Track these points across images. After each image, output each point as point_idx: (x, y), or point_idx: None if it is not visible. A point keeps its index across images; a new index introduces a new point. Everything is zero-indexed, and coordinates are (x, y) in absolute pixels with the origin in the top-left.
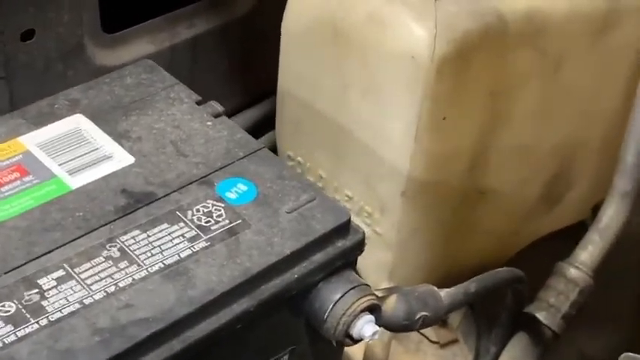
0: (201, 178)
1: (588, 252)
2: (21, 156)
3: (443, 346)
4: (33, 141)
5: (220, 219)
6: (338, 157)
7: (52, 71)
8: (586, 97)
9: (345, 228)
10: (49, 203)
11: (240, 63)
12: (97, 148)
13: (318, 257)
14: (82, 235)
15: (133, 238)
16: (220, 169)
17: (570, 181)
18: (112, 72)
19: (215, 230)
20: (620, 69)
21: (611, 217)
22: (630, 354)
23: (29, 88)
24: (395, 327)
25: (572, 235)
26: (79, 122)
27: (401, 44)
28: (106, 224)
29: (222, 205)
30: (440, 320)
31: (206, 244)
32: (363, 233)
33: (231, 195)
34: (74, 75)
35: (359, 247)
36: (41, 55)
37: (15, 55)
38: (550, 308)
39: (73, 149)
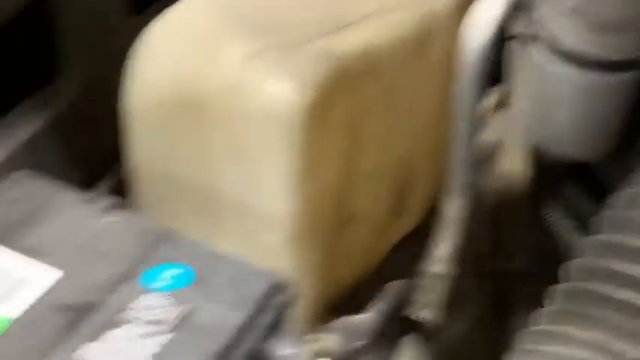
0: (127, 273)
1: (440, 248)
2: None
3: None
4: None
5: (164, 309)
6: (210, 221)
7: None
8: (413, 112)
9: (277, 286)
10: None
11: (74, 151)
12: (15, 270)
13: (263, 319)
14: None
15: (88, 351)
16: (141, 260)
17: (411, 190)
18: None
19: (164, 321)
20: (436, 83)
21: (453, 211)
22: None
23: None
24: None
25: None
26: None
27: (262, 106)
28: (57, 345)
29: (157, 295)
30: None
31: (164, 337)
32: (293, 286)
33: (161, 283)
34: None
35: (293, 299)
36: None
37: None
38: (426, 305)
39: None
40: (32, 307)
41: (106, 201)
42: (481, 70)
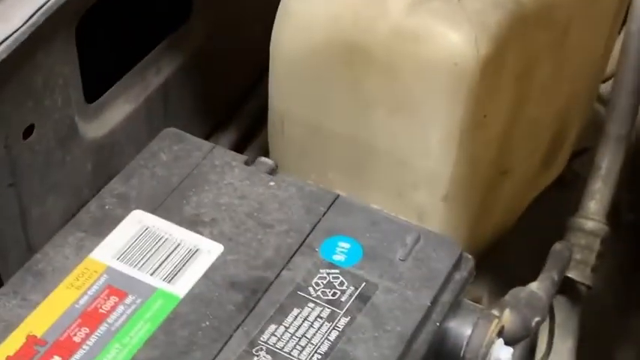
0: (300, 246)
1: (597, 201)
2: (106, 276)
3: None
4: (107, 254)
5: (344, 287)
6: (358, 174)
7: (53, 162)
8: (584, 54)
9: (459, 260)
10: (167, 322)
11: (203, 94)
12: (179, 244)
13: (446, 297)
14: (222, 348)
15: (273, 335)
16: (312, 231)
17: (565, 138)
18: (141, 152)
19: (347, 301)
20: (605, 21)
21: (610, 162)
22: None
23: (34, 187)
24: (514, 340)
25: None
26: (141, 220)
27: (439, 53)
28: (238, 327)
29: (337, 270)
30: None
31: (347, 319)
32: (473, 260)
33: (339, 257)
34: (71, 159)
35: (472, 274)
36: (42, 148)
37: (19, 156)
38: (579, 265)
39: (155, 252)
40: (199, 285)
41: (268, 163)
42: None
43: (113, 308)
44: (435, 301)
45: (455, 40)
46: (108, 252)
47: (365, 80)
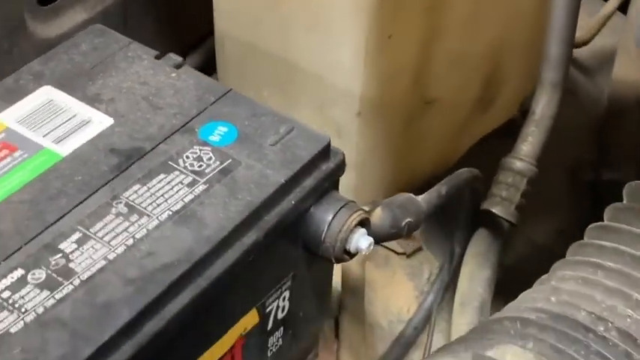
0: (182, 127)
1: (529, 143)
2: (4, 134)
3: (409, 256)
4: (10, 117)
5: (211, 162)
6: (287, 91)
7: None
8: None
9: (326, 151)
10: (45, 173)
11: (167, 14)
12: (75, 115)
13: (308, 182)
14: (87, 198)
15: (135, 192)
16: (197, 115)
17: (501, 81)
18: (64, 41)
19: (209, 173)
20: None
21: (544, 107)
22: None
23: None
24: (383, 237)
25: (504, 133)
26: (49, 93)
27: None
28: (106, 184)
29: (209, 148)
30: (421, 224)
31: (205, 187)
32: (343, 154)
33: (215, 138)
34: (19, 52)
35: (341, 167)
36: None
37: None
38: (504, 202)
39: (52, 119)
40: (82, 148)
41: (176, 59)
42: None
43: (1, 159)
44: (291, 182)
45: None
46: (11, 116)
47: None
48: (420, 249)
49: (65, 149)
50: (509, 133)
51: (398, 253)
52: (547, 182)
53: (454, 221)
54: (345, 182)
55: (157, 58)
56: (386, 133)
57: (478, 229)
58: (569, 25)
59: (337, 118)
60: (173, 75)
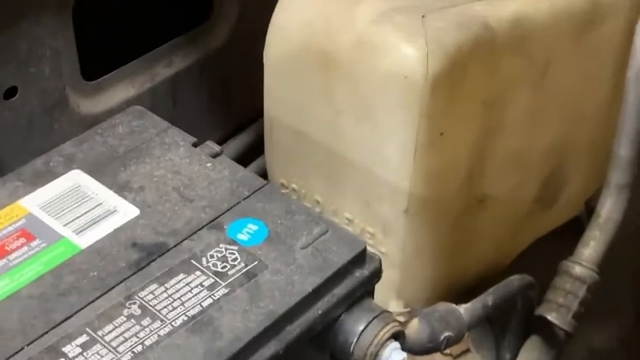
0: (210, 222)
1: (591, 248)
2: (24, 220)
3: (456, 357)
4: (34, 203)
5: (236, 262)
6: (334, 182)
7: (37, 126)
8: (573, 96)
9: (361, 257)
10: (60, 266)
11: (218, 95)
12: (100, 204)
13: (339, 290)
14: (100, 296)
15: (151, 292)
16: (228, 210)
17: (563, 181)
18: (102, 122)
19: (232, 275)
20: (604, 65)
21: (609, 211)
22: None
23: (14, 146)
24: (419, 350)
25: (568, 231)
26: (77, 178)
27: (392, 65)
28: (122, 281)
29: (236, 247)
30: (462, 339)
31: (226, 291)
32: (379, 260)
33: (243, 236)
34: (60, 128)
35: (377, 274)
36: (25, 111)
37: (0, 114)
38: (560, 308)
39: (76, 207)
40: (103, 240)
41: (213, 147)
42: None
43: (18, 248)
44: (320, 290)
45: (407, 53)
46: (35, 201)
47: (335, 87)
48: (467, 351)
49: (85, 241)
50: (572, 229)
51: (444, 354)
52: (609, 285)
53: (506, 324)
54: (389, 281)
55: (195, 145)
56: (434, 231)
57: (531, 335)
58: (638, 127)
59: (384, 214)
60: (208, 165)
